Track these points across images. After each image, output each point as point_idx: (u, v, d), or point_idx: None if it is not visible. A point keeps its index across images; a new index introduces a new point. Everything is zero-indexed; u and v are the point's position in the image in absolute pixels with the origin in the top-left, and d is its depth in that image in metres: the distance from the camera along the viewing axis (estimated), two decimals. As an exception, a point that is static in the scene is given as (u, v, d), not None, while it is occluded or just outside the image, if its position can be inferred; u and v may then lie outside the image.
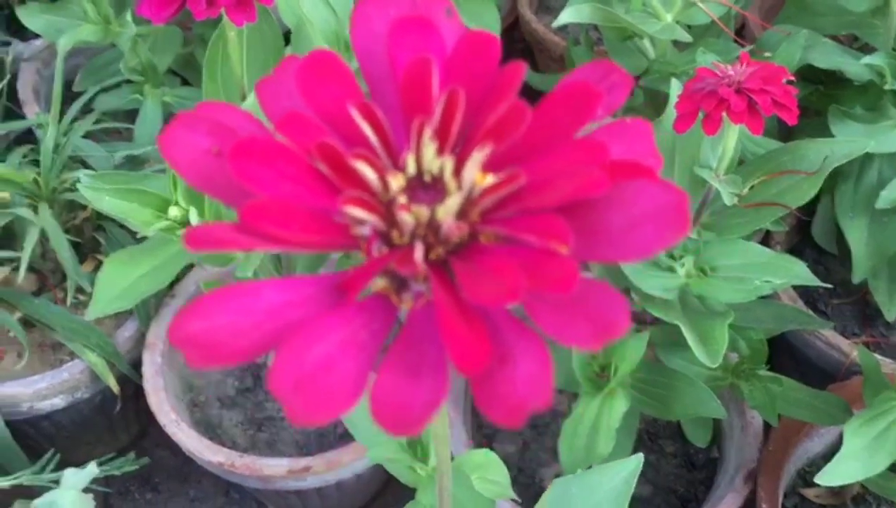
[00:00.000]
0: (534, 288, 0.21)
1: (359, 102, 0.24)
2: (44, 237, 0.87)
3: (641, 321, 0.77)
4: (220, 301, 0.22)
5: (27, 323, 0.90)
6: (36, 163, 0.90)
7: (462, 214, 0.24)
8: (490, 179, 0.24)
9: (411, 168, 0.24)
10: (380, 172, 0.24)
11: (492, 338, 0.22)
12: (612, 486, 0.47)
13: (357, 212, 0.23)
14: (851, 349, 0.94)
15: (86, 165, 0.93)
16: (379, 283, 0.24)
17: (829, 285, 0.87)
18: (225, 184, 0.24)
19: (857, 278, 0.94)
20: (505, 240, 0.24)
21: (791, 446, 0.88)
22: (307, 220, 0.23)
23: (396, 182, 0.24)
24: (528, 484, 0.92)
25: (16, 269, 0.89)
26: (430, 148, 0.24)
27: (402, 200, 0.23)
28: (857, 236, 0.94)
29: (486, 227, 0.24)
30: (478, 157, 0.24)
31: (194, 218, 0.64)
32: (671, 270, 0.68)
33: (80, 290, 0.89)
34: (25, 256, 0.84)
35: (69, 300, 0.88)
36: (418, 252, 0.22)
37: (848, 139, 0.70)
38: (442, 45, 0.26)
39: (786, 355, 0.99)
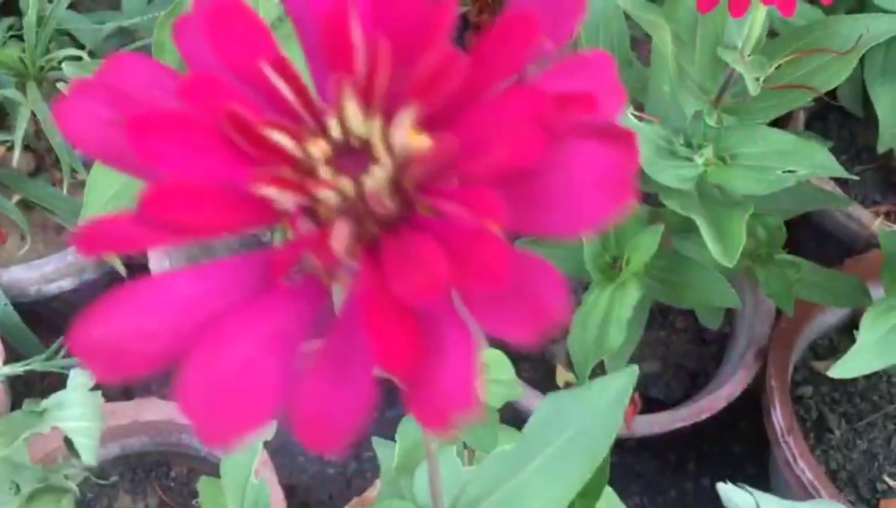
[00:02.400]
0: (459, 281, 0.19)
1: (273, 56, 0.22)
2: (36, 116, 0.84)
3: (657, 203, 0.74)
4: (124, 301, 0.20)
5: (27, 205, 0.89)
6: (21, 37, 0.86)
7: (394, 183, 0.21)
8: (423, 141, 0.21)
9: (336, 132, 0.22)
10: (298, 139, 0.21)
11: (421, 331, 0.20)
12: (606, 400, 0.46)
13: (271, 191, 0.21)
14: (871, 220, 0.91)
15: (73, 38, 0.89)
16: (310, 263, 0.21)
17: (855, 177, 0.84)
18: (129, 156, 0.21)
19: (882, 147, 0.90)
20: (440, 212, 0.21)
21: (804, 322, 0.88)
22: (222, 199, 0.21)
23: (319, 149, 0.21)
24: (539, 361, 0.92)
25: (11, 149, 0.86)
26: (353, 108, 0.21)
27: (324, 173, 0.21)
28: (886, 103, 0.89)
29: (419, 198, 0.21)
30: (406, 116, 0.21)
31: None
32: (689, 159, 0.65)
33: (77, 170, 0.87)
34: (18, 138, 0.82)
35: (66, 182, 0.85)
36: (337, 237, 0.20)
37: (887, 15, 0.65)
38: None
39: (803, 227, 0.97)
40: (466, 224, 0.19)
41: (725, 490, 0.51)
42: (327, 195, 0.21)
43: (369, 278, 0.20)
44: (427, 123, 0.21)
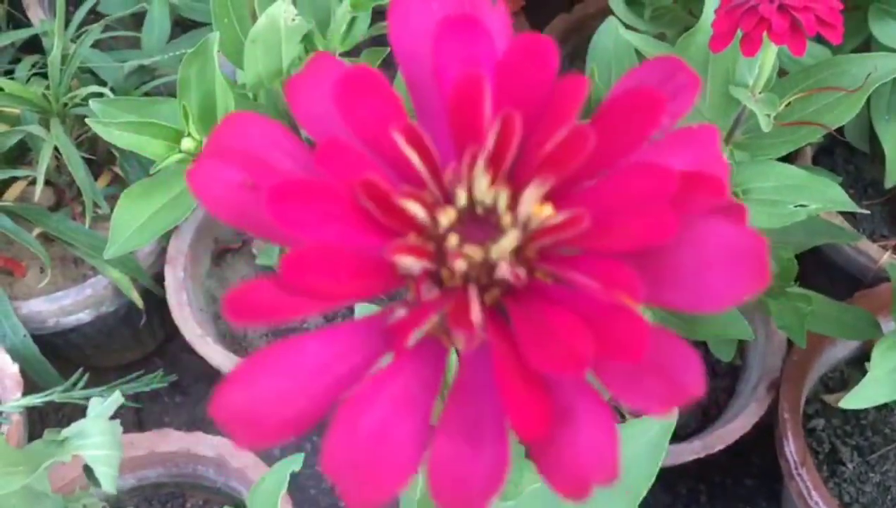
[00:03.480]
0: (602, 355, 0.19)
1: (404, 126, 0.22)
2: (59, 152, 0.85)
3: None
4: (260, 367, 0.21)
5: (47, 238, 0.90)
6: (44, 75, 0.87)
7: (518, 251, 0.22)
8: (548, 211, 0.22)
9: (462, 201, 0.22)
10: (429, 208, 0.22)
11: (554, 399, 0.20)
12: (646, 440, 0.47)
13: (407, 260, 0.21)
14: (880, 254, 0.92)
15: (94, 76, 0.91)
16: (429, 324, 0.22)
17: (866, 211, 0.85)
18: (263, 220, 0.22)
19: (889, 182, 0.92)
20: (563, 280, 0.22)
21: (814, 355, 0.88)
22: (354, 265, 0.21)
23: (447, 218, 0.22)
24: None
25: (32, 183, 0.87)
26: (482, 180, 0.22)
27: (454, 241, 0.22)
28: (892, 140, 0.91)
29: (543, 265, 0.22)
30: (535, 190, 0.22)
31: (210, 150, 0.62)
32: (702, 193, 0.66)
33: (98, 204, 0.88)
34: (41, 173, 0.83)
35: (87, 216, 0.87)
36: (475, 309, 0.21)
37: (893, 55, 0.66)
38: (492, 50, 0.23)
39: (813, 260, 0.98)
40: (602, 297, 0.20)
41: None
42: (458, 264, 0.21)
43: (500, 345, 0.20)
44: (551, 194, 0.22)
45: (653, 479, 0.45)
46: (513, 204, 0.22)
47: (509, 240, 0.21)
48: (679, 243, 0.20)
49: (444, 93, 0.23)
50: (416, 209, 0.22)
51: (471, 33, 0.23)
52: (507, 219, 0.22)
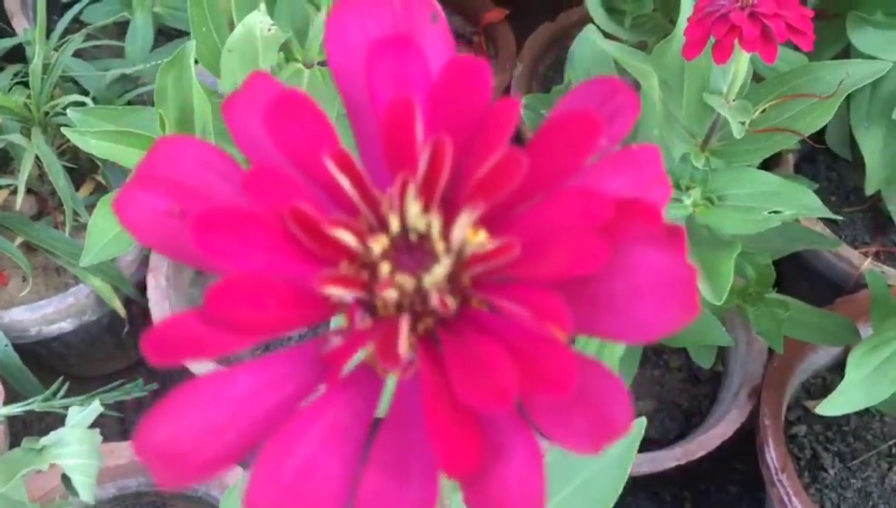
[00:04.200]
0: (527, 389, 0.19)
1: (335, 151, 0.22)
2: (40, 160, 0.85)
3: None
4: (185, 400, 0.20)
5: (29, 247, 0.90)
6: (26, 83, 0.88)
7: (451, 278, 0.21)
8: (482, 238, 0.21)
9: (395, 227, 0.22)
10: (360, 235, 0.22)
11: (483, 435, 0.20)
12: (614, 452, 0.47)
13: (338, 291, 0.21)
14: (861, 261, 0.93)
15: (77, 84, 0.91)
16: (363, 353, 0.22)
17: (839, 218, 0.85)
18: (190, 248, 0.21)
19: (870, 190, 0.92)
20: (497, 309, 0.21)
21: (795, 361, 0.88)
22: (283, 295, 0.21)
23: (379, 245, 0.22)
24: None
25: (14, 192, 0.88)
26: (415, 206, 0.22)
27: (385, 270, 0.21)
28: (871, 146, 0.91)
29: (476, 293, 0.22)
30: (468, 216, 0.21)
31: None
32: (678, 200, 0.66)
33: (79, 212, 0.88)
34: (22, 182, 0.83)
35: (68, 225, 0.87)
36: (403, 341, 0.20)
37: (868, 61, 0.67)
38: (426, 72, 0.23)
39: (794, 267, 0.98)
40: (530, 327, 0.20)
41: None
42: (389, 294, 0.21)
43: (430, 377, 0.20)
44: (484, 219, 0.21)
45: (619, 491, 0.45)
46: (446, 231, 0.22)
47: (441, 268, 0.21)
48: (611, 272, 0.20)
49: (379, 115, 0.22)
50: (346, 237, 0.21)
51: (405, 54, 0.23)
52: (440, 246, 0.21)
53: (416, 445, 0.20)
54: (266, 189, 0.21)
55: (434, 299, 0.21)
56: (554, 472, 0.46)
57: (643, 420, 0.47)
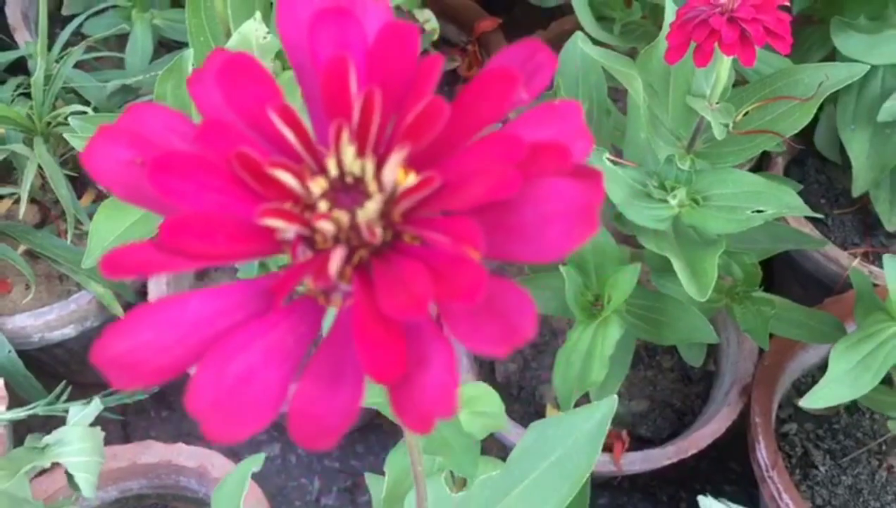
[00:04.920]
0: (441, 298, 0.22)
1: (278, 104, 0.24)
2: (43, 170, 0.87)
3: (639, 245, 0.77)
4: (143, 318, 0.23)
5: (32, 255, 0.92)
6: (29, 95, 0.90)
7: (383, 215, 0.24)
8: (412, 179, 0.24)
9: (333, 171, 0.24)
10: (300, 177, 0.24)
11: (407, 344, 0.22)
12: (586, 428, 0.49)
13: (277, 223, 0.23)
14: (850, 262, 0.94)
15: (78, 95, 0.93)
16: (308, 285, 0.24)
17: (821, 216, 0.87)
18: (150, 194, 0.24)
19: (857, 191, 0.93)
20: (424, 241, 0.24)
21: (786, 360, 0.90)
22: (231, 231, 0.23)
23: (318, 186, 0.24)
24: (528, 401, 0.94)
25: (17, 201, 0.90)
26: (349, 150, 0.24)
27: (322, 207, 0.24)
28: (858, 149, 0.93)
29: (406, 228, 0.24)
30: (396, 158, 0.24)
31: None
32: (663, 201, 0.68)
33: (81, 220, 0.90)
34: (25, 191, 0.85)
35: (70, 233, 0.89)
36: (333, 263, 0.23)
37: (846, 63, 0.68)
38: (363, 37, 0.26)
39: (784, 267, 1.00)
40: (448, 249, 0.22)
41: (706, 502, 0.53)
42: (324, 226, 0.23)
43: (361, 297, 0.23)
44: (414, 163, 0.24)
45: (591, 467, 0.47)
46: (379, 173, 0.24)
47: (373, 204, 0.23)
48: (523, 201, 0.22)
49: (319, 74, 0.25)
50: (287, 178, 0.24)
51: (342, 21, 0.25)
52: (373, 186, 0.24)
53: (348, 360, 0.23)
54: (216, 138, 0.24)
55: (364, 231, 0.23)
56: (531, 449, 0.48)
57: (614, 397, 0.48)
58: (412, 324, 0.22)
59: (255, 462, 0.57)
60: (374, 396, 0.57)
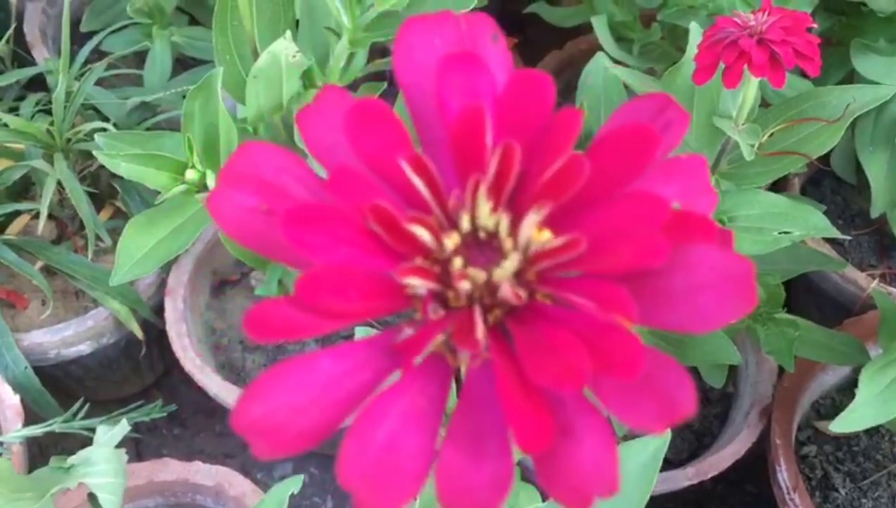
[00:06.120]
0: (598, 371, 0.21)
1: (410, 155, 0.24)
2: (61, 186, 0.87)
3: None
4: (275, 380, 0.22)
5: (49, 271, 0.92)
6: (48, 111, 0.90)
7: (519, 274, 0.23)
8: (547, 237, 0.23)
9: (466, 225, 0.24)
10: (434, 232, 0.23)
11: (554, 414, 0.21)
12: (639, 461, 0.48)
13: (414, 281, 0.23)
14: (868, 283, 0.94)
15: (97, 112, 0.93)
16: (435, 343, 0.23)
17: (847, 237, 0.87)
18: (277, 243, 0.23)
19: (875, 212, 0.93)
20: (562, 302, 0.23)
21: (805, 381, 0.90)
22: (364, 286, 0.23)
23: (451, 241, 0.23)
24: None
25: (35, 217, 0.89)
26: (485, 205, 0.24)
27: (458, 264, 0.23)
28: (876, 170, 0.93)
29: (542, 287, 0.23)
30: (535, 215, 0.23)
31: (211, 180, 0.64)
32: (689, 221, 0.68)
33: (99, 237, 0.90)
34: (44, 207, 0.85)
35: (90, 249, 0.88)
36: (479, 328, 0.22)
37: (872, 86, 0.68)
38: (492, 84, 0.25)
39: (802, 288, 1.00)
40: (597, 317, 0.21)
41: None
42: (463, 286, 0.23)
43: (502, 362, 0.22)
44: (548, 220, 0.23)
45: (646, 500, 0.46)
46: (514, 229, 0.23)
47: (511, 263, 0.23)
48: (671, 267, 0.22)
49: (448, 124, 0.24)
50: (422, 233, 0.23)
51: (472, 68, 0.24)
52: (508, 243, 0.23)
53: (489, 426, 0.22)
54: (348, 188, 0.23)
55: (506, 291, 0.22)
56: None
57: (668, 432, 0.48)
58: (559, 397, 0.21)
59: (294, 485, 0.56)
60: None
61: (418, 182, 0.23)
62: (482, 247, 0.23)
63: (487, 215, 0.23)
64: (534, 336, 0.22)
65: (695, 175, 0.25)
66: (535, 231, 0.23)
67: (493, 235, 0.23)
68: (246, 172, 0.24)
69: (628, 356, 0.20)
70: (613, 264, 0.21)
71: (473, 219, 0.23)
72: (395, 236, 0.23)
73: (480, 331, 0.22)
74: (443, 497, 0.21)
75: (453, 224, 0.23)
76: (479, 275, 0.23)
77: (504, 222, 0.23)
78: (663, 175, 0.25)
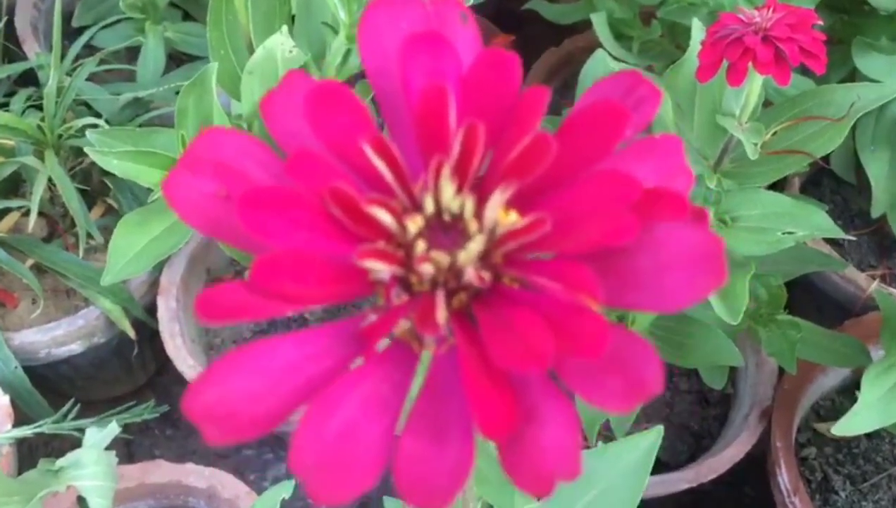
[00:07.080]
0: (562, 351, 0.20)
1: (372, 136, 0.23)
2: (52, 183, 0.85)
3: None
4: (231, 364, 0.21)
5: (40, 269, 0.90)
6: (39, 106, 0.88)
7: (484, 256, 0.22)
8: (513, 218, 0.22)
9: (430, 208, 0.23)
10: (397, 215, 0.22)
11: (518, 398, 0.21)
12: (631, 459, 0.47)
13: (375, 264, 0.22)
14: (868, 284, 0.93)
15: (89, 108, 0.91)
16: (400, 329, 0.23)
17: (852, 238, 0.86)
18: (234, 229, 0.22)
19: (876, 212, 0.93)
20: (528, 284, 0.22)
21: (805, 383, 0.89)
22: (323, 271, 0.22)
23: (414, 225, 0.22)
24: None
25: (26, 214, 0.88)
26: (449, 187, 0.23)
27: (421, 247, 0.22)
28: (877, 170, 0.92)
29: (509, 270, 0.22)
30: (500, 196, 0.22)
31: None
32: (691, 221, 0.67)
33: (91, 235, 0.88)
34: (34, 204, 0.83)
35: (81, 247, 0.87)
36: (440, 312, 0.21)
37: (875, 85, 0.67)
38: (458, 64, 0.24)
39: (802, 289, 0.99)
40: (563, 298, 0.20)
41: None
42: (425, 268, 0.22)
43: (466, 347, 0.21)
44: (515, 201, 0.22)
45: (637, 500, 0.45)
46: (479, 211, 0.22)
47: (475, 245, 0.22)
48: (639, 247, 0.21)
49: (412, 105, 0.23)
50: (383, 216, 0.22)
51: (437, 48, 0.24)
52: (473, 225, 0.22)
53: (452, 412, 0.21)
54: (308, 171, 0.22)
55: (470, 274, 0.22)
56: (571, 483, 0.46)
57: (660, 429, 0.47)
58: (523, 380, 0.20)
59: (285, 490, 0.55)
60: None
61: (380, 164, 0.22)
62: (447, 230, 0.22)
63: (452, 196, 0.22)
64: (498, 319, 0.21)
65: (670, 155, 0.24)
66: (501, 213, 0.22)
67: (459, 217, 0.22)
68: (206, 156, 0.23)
69: (593, 336, 0.20)
70: (580, 243, 0.21)
71: (438, 201, 0.22)
72: (356, 219, 0.22)
73: (441, 314, 0.21)
74: (400, 483, 0.21)
75: (418, 207, 0.23)
76: (443, 258, 0.22)
77: (469, 203, 0.22)
78: (637, 155, 0.24)
